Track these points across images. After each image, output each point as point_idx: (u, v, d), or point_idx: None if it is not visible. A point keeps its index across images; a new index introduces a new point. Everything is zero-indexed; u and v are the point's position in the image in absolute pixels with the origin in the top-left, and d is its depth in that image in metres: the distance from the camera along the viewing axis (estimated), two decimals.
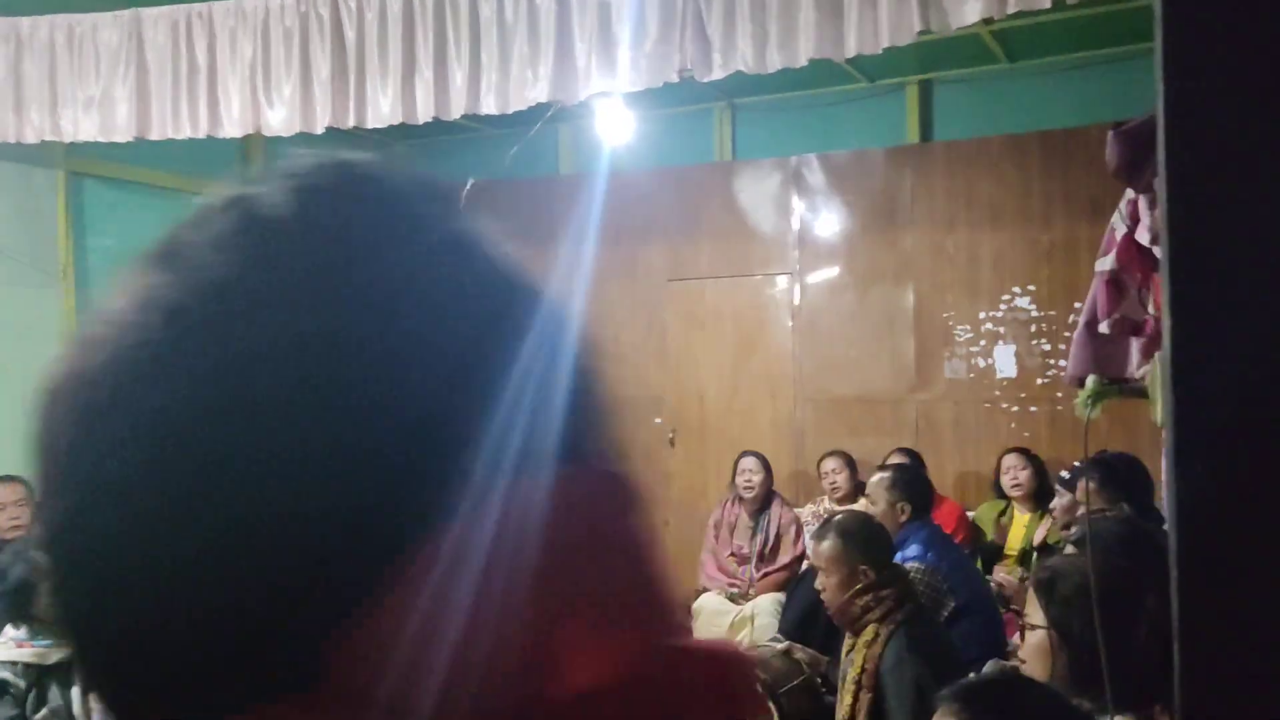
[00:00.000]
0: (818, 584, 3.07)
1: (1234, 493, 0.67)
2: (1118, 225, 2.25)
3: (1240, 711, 0.71)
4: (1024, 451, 5.53)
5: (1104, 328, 2.23)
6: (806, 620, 4.82)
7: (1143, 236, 2.07)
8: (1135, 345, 2.35)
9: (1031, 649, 2.06)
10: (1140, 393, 1.40)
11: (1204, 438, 0.67)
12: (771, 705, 3.12)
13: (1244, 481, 0.67)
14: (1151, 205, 1.97)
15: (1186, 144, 0.67)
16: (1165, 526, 3.58)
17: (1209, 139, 0.67)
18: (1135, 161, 1.97)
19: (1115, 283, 2.20)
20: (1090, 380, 1.41)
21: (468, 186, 5.01)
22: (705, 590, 5.73)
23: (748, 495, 5.79)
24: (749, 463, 5.82)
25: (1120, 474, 3.46)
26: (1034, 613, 2.09)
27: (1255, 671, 0.69)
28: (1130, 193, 2.15)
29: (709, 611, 5.56)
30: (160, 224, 0.38)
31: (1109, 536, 2.49)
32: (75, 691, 3.22)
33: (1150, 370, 1.10)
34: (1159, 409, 1.06)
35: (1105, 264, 2.22)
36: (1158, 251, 2.07)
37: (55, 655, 3.17)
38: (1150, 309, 2.13)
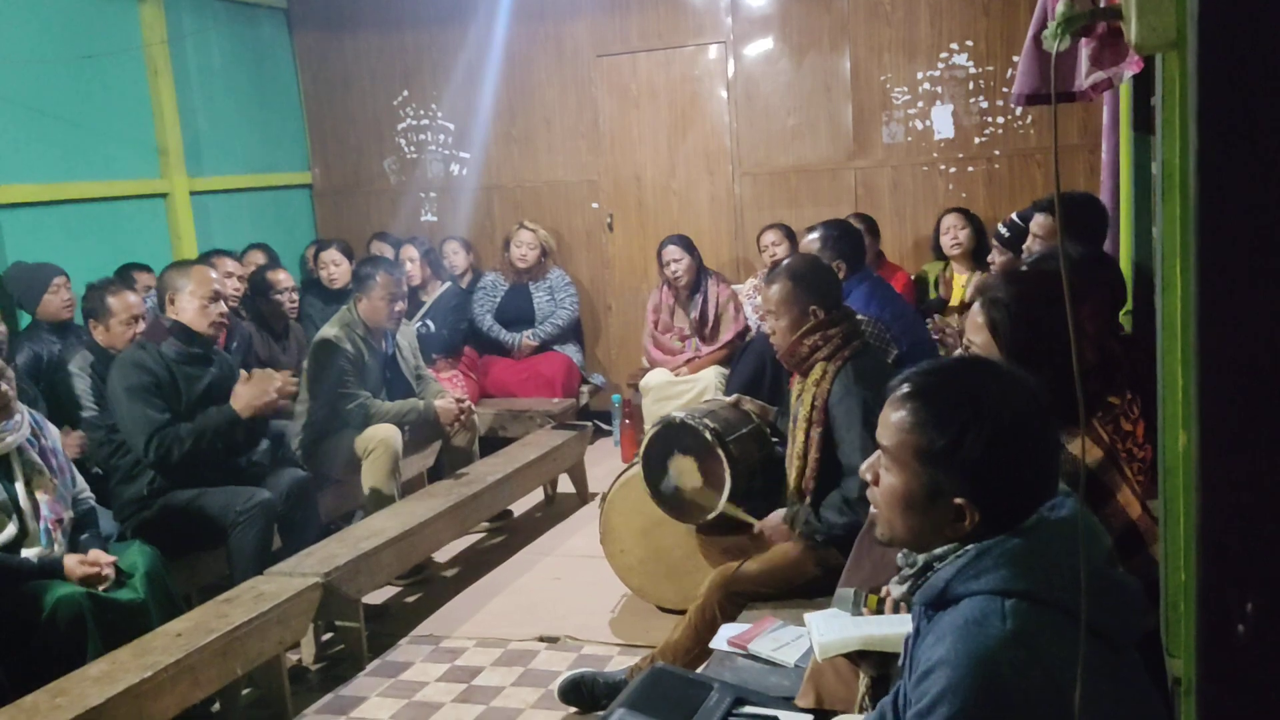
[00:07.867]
0: (767, 328, 3.05)
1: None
2: None
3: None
4: (963, 211, 5.54)
5: None
6: (751, 386, 4.89)
7: None
8: (1084, 52, 2.27)
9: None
10: (1114, 13, 1.33)
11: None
12: (721, 451, 3.15)
13: None
14: None
15: None
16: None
17: None
18: None
19: None
20: (1061, 4, 1.32)
21: None
22: (651, 368, 5.78)
23: (678, 282, 5.75)
24: (672, 251, 5.74)
25: (1078, 213, 3.39)
26: (975, 332, 2.09)
27: None
28: None
29: (657, 385, 5.62)
30: None
31: (1055, 255, 2.49)
32: (19, 485, 3.17)
33: None
34: (1133, 28, 0.99)
35: None
36: None
37: None
38: (1102, 3, 2.04)
